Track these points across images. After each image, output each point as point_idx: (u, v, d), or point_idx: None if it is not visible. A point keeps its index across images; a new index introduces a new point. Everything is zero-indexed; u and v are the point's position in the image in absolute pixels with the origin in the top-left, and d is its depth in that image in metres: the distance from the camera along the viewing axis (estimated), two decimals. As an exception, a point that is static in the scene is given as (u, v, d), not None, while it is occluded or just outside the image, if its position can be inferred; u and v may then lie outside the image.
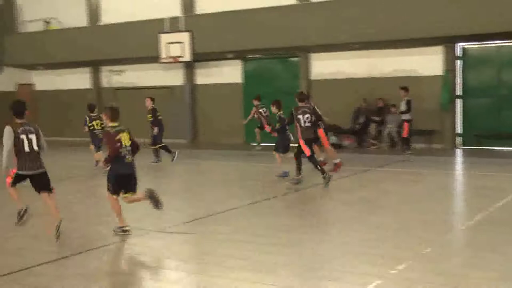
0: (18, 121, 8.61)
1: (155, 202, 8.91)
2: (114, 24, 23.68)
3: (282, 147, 13.85)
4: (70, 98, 25.61)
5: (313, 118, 12.78)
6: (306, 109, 12.71)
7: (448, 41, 18.63)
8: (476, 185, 12.98)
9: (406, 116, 17.20)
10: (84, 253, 8.00)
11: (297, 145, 12.83)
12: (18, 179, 8.65)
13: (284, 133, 13.79)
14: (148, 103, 17.24)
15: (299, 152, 12.77)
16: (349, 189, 12.55)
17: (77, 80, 25.94)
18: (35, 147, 8.58)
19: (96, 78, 25.71)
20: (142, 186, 9.27)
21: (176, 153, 17.13)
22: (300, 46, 20.23)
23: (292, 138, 13.91)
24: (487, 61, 19.06)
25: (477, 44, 19.13)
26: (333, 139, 19.96)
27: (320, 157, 14.40)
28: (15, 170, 8.60)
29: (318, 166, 12.61)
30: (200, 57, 21.91)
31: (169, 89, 23.71)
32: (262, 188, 12.90)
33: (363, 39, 18.63)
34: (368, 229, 8.83)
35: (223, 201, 11.61)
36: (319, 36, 19.28)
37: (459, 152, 18.84)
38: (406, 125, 17.26)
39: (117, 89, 24.81)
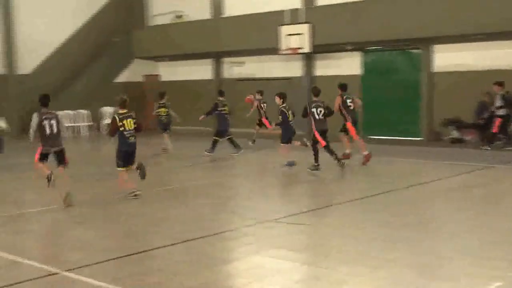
0: (43, 110, 10.86)
1: (142, 173, 11.29)
2: (236, 16, 24.22)
3: (286, 138, 14.59)
4: (193, 89, 26.53)
5: (325, 111, 13.88)
6: (320, 103, 13.87)
7: None
8: None
9: (501, 112, 16.77)
10: (200, 239, 8.30)
11: (312, 136, 13.98)
12: (43, 156, 10.90)
13: (288, 125, 14.54)
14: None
15: (314, 142, 13.95)
16: (466, 187, 12.11)
17: (200, 71, 26.80)
18: (55, 131, 10.77)
19: (217, 69, 26.45)
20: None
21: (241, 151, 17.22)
22: (422, 38, 19.67)
23: (295, 130, 14.74)
24: None
25: None
26: (455, 133, 19.31)
27: (346, 150, 15.23)
28: (40, 149, 10.83)
29: (333, 154, 13.87)
30: (319, 49, 21.92)
31: (288, 81, 23.91)
32: (379, 183, 12.77)
33: (488, 30, 17.80)
34: (488, 231, 8.50)
35: (340, 193, 11.66)
36: (441, 27, 18.64)
37: None
38: (498, 120, 16.90)
39: (238, 80, 25.38)
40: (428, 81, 20.05)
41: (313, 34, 21.23)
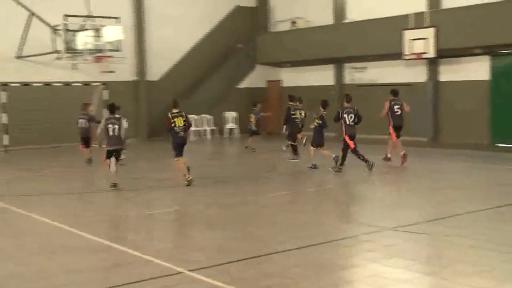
0: (109, 116, 13.44)
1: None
2: (357, 21, 24.02)
3: (317, 142, 15.52)
4: (314, 94, 26.59)
5: (356, 118, 14.75)
6: (351, 110, 14.79)
7: None
8: None
9: None
10: (318, 245, 8.30)
11: (343, 139, 14.90)
12: (108, 153, 13.29)
13: (321, 131, 15.56)
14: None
15: (345, 146, 14.83)
16: None
17: (321, 76, 26.81)
18: (116, 133, 13.19)
19: (339, 75, 26.35)
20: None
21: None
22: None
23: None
24: None
25: None
26: None
27: (388, 154, 16.35)
28: (106, 148, 13.41)
29: (361, 156, 14.76)
30: (444, 53, 21.23)
31: (410, 86, 23.35)
32: (506, 194, 12.15)
33: None
34: None
35: (461, 203, 11.23)
36: None
37: None
38: None
39: (359, 86, 25.15)
40: None
41: (438, 38, 20.61)
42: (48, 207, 11.73)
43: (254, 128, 20.34)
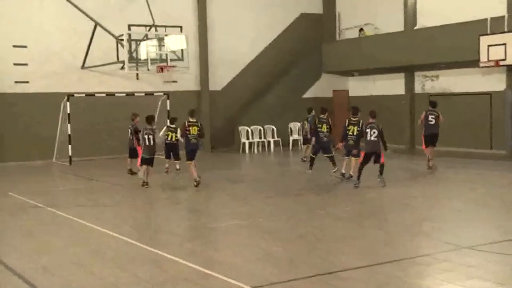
0: (148, 126, 15.08)
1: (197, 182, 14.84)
2: (429, 27, 22.89)
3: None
4: (383, 104, 25.54)
5: (377, 135, 14.25)
6: (374, 125, 14.40)
7: None
8: None
9: None
10: (390, 263, 7.78)
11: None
12: (143, 160, 15.11)
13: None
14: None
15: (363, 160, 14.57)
16: None
17: (391, 85, 25.77)
18: (152, 143, 14.97)
19: (409, 84, 25.21)
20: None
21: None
22: None
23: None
24: None
25: None
26: None
27: (430, 162, 17.23)
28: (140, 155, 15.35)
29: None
30: (525, 60, 19.83)
31: (488, 95, 22.01)
32: None
33: None
34: None
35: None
36: None
37: None
38: None
39: (431, 95, 23.96)
40: None
41: (518, 44, 19.28)
42: (111, 218, 11.54)
43: (309, 136, 19.19)
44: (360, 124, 15.07)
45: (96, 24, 21.38)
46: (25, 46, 21.61)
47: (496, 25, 20.15)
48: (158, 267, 7.95)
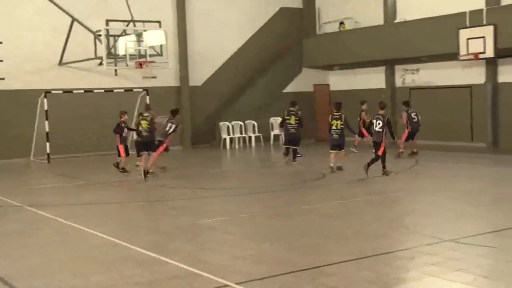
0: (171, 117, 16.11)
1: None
2: (409, 21, 22.92)
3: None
4: (363, 98, 25.54)
5: (384, 127, 14.77)
6: (380, 117, 14.98)
7: None
8: None
9: None
10: (374, 257, 7.77)
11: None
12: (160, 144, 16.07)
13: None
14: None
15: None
16: None
17: (371, 79, 25.78)
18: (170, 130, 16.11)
19: (390, 78, 25.24)
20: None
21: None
22: None
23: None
24: None
25: None
26: None
27: (414, 149, 18.63)
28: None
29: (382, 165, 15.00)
30: (503, 53, 19.92)
31: (467, 89, 22.11)
32: None
33: None
34: None
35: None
36: None
37: None
38: None
39: (412, 88, 24.00)
40: None
41: (497, 37, 19.37)
42: (96, 217, 11.38)
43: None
44: (343, 118, 15.67)
45: (73, 19, 21.03)
46: (0, 42, 21.18)
47: (475, 19, 20.22)
48: (145, 266, 7.78)
